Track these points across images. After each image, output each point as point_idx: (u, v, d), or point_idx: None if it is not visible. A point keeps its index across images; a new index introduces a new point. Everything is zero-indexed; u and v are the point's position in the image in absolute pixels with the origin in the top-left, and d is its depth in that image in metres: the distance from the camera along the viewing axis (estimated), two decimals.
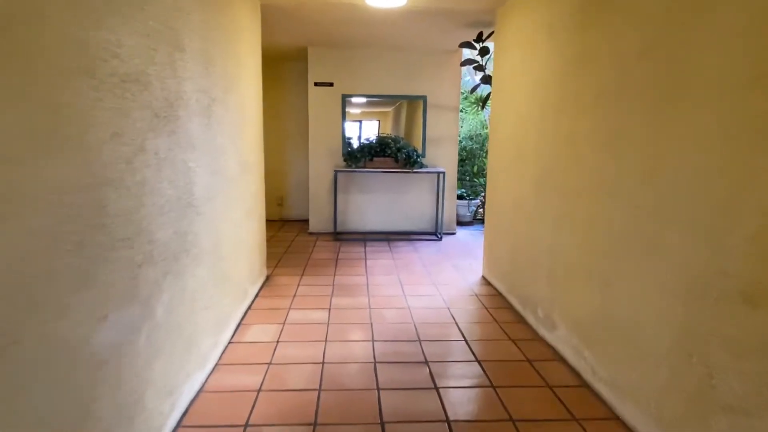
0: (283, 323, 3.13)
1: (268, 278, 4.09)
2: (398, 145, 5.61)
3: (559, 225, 2.76)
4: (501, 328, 3.12)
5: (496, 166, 3.99)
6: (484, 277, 4.23)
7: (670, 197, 1.80)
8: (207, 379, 2.38)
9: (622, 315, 2.11)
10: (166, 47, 1.90)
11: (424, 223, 6.10)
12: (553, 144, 2.84)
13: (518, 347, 2.83)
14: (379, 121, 7.34)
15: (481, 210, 7.09)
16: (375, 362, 2.61)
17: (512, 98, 3.57)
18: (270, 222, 6.62)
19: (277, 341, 2.86)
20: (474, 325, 3.17)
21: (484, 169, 7.36)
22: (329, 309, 3.40)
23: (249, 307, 3.38)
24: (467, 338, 2.95)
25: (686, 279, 1.72)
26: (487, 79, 4.52)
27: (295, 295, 3.68)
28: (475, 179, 7.22)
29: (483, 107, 4.93)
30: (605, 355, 2.26)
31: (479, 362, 2.63)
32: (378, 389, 2.33)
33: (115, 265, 1.51)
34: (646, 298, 1.94)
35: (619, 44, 2.14)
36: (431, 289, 3.90)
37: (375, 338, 2.92)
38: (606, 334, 2.25)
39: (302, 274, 4.24)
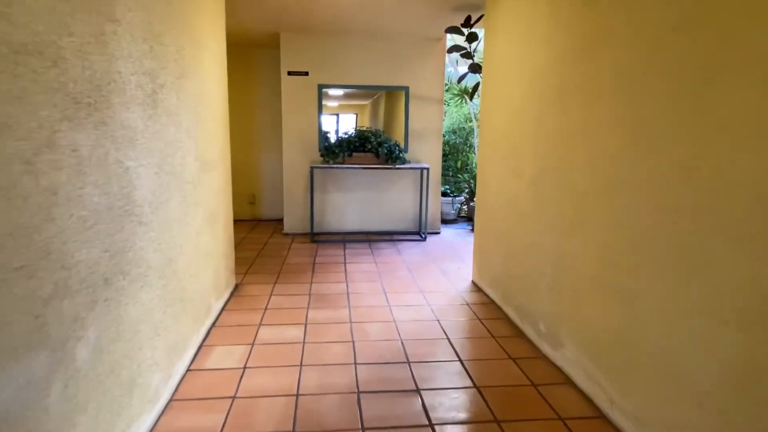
0: (252, 343, 2.74)
1: (237, 288, 3.68)
2: (379, 140, 5.24)
3: (565, 230, 2.43)
4: (498, 343, 2.79)
5: (486, 162, 3.66)
6: (474, 283, 3.91)
7: (717, 199, 1.48)
8: (156, 422, 1.98)
9: (650, 339, 1.79)
10: (89, 15, 1.49)
11: (407, 223, 5.75)
12: (557, 137, 2.51)
13: (520, 368, 2.51)
14: (356, 114, 6.95)
15: (465, 207, 6.78)
16: (358, 392, 2.24)
17: (506, 87, 3.24)
18: (241, 222, 6.18)
19: (245, 367, 2.46)
20: (468, 341, 2.83)
21: (467, 165, 7.05)
22: (305, 324, 3.02)
23: (213, 324, 2.97)
24: (462, 358, 2.61)
25: (740, 301, 1.40)
26: (475, 68, 4.18)
27: (266, 308, 3.28)
28: (459, 175, 6.90)
29: (471, 98, 4.59)
30: (627, 383, 1.94)
31: (478, 389, 2.29)
32: (363, 429, 1.97)
33: (4, 303, 1.10)
34: (684, 321, 1.62)
35: (648, 17, 1.80)
36: (418, 297, 3.55)
37: (358, 360, 2.56)
38: (628, 360, 1.93)
39: (275, 282, 3.84)
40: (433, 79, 5.51)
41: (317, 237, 5.45)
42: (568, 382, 2.36)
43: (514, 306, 3.08)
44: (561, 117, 2.47)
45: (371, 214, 5.68)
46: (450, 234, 5.78)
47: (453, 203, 6.44)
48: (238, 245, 4.99)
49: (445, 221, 6.30)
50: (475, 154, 6.97)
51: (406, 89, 5.50)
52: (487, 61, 3.63)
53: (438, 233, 5.77)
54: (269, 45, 5.74)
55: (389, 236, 5.57)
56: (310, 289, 3.70)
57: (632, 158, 1.89)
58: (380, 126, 6.08)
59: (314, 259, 4.55)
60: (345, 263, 4.43)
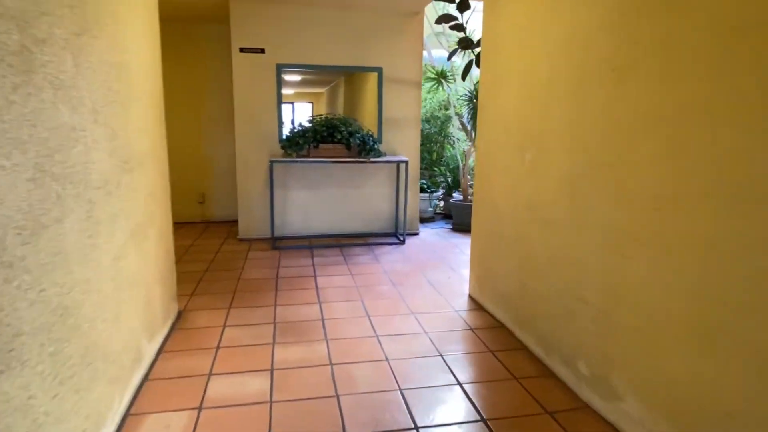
0: (199, 407, 2.00)
1: (180, 317, 2.91)
2: (350, 129, 4.52)
3: (622, 248, 1.83)
4: (525, 389, 2.18)
5: (488, 153, 3.03)
6: (472, 299, 3.29)
7: None
8: None
9: None
10: None
11: (382, 223, 5.07)
12: (609, 124, 1.89)
13: (563, 428, 1.90)
14: (312, 103, 6.20)
15: (442, 203, 6.18)
16: None
17: (519, 61, 2.60)
18: (188, 225, 5.33)
19: None
20: (486, 386, 2.20)
21: (443, 157, 6.45)
22: (271, 370, 2.31)
23: (145, 378, 2.20)
24: (484, 414, 1.98)
25: None
26: (466, 43, 3.53)
27: (219, 347, 2.54)
28: (435, 168, 6.28)
29: (464, 78, 3.95)
30: None
31: None
32: None
33: None
34: None
35: None
36: (410, 322, 2.89)
37: (347, 427, 1.87)
38: None
39: (230, 306, 3.09)
40: (409, 59, 4.83)
41: (279, 242, 4.69)
42: None
43: (536, 334, 2.48)
44: (615, 97, 1.85)
45: (342, 214, 4.97)
46: (430, 234, 5.15)
47: (430, 199, 5.82)
48: (183, 256, 4.16)
49: (422, 219, 5.67)
50: (452, 145, 6.38)
51: (379, 70, 4.80)
52: (489, 32, 2.98)
53: (417, 234, 5.13)
54: (218, 18, 4.88)
55: (363, 239, 4.88)
56: (275, 314, 2.97)
57: (749, 154, 1.29)
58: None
59: (277, 272, 3.80)
60: (315, 276, 3.72)
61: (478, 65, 3.51)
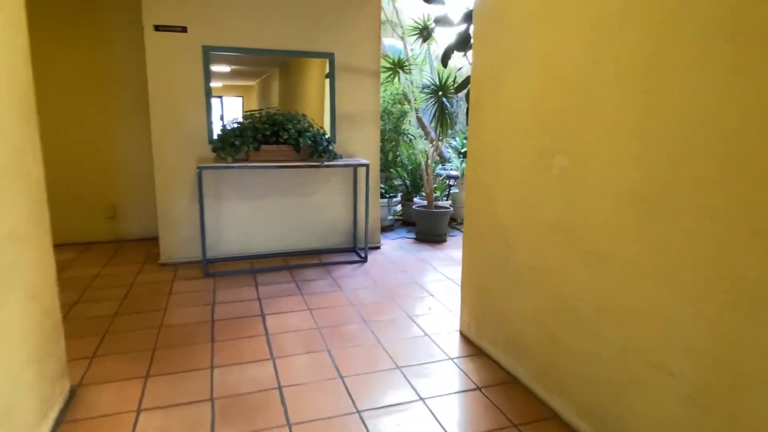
0: None
1: (72, 397, 2.03)
2: (299, 127, 3.72)
3: (753, 307, 1.23)
4: None
5: (487, 162, 2.38)
6: (465, 337, 2.64)
7: None
8: None
9: None
10: None
11: (339, 237, 4.32)
12: (724, 121, 1.29)
13: None
14: (242, 98, 5.32)
15: (400, 209, 5.52)
16: None
17: (539, 40, 1.97)
18: (96, 247, 4.30)
19: None
20: None
21: (398, 156, 5.78)
22: None
23: None
24: None
25: None
26: (446, 21, 2.86)
27: None
28: (392, 170, 5.60)
29: (446, 63, 3.27)
30: None
31: None
32: None
33: None
34: None
35: None
36: (398, 381, 2.19)
37: None
38: None
39: (147, 374, 2.23)
40: (366, 44, 4.10)
41: (213, 267, 3.81)
42: None
43: (574, 401, 1.86)
44: (734, 85, 1.24)
45: (290, 229, 4.16)
46: (393, 247, 4.47)
47: (389, 205, 5.13)
48: (85, 292, 3.21)
49: (381, 228, 4.97)
50: (410, 143, 5.73)
51: (331, 57, 4.03)
52: (484, 1, 2.33)
53: (379, 248, 4.42)
54: None
55: (317, 258, 4.11)
56: (212, 383, 2.16)
57: None
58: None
59: (212, 312, 2.96)
60: (263, 315, 2.92)
61: (461, 49, 2.87)
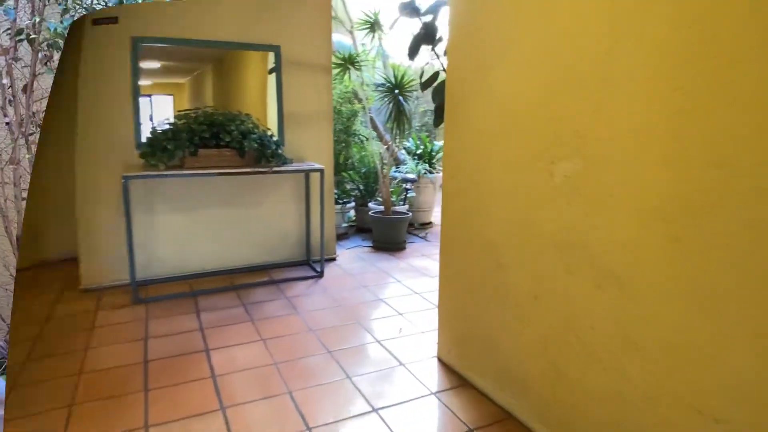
0: None
1: None
2: (243, 128, 3.29)
3: None
4: None
5: (466, 168, 2.10)
6: (444, 364, 2.35)
7: None
8: None
9: None
10: None
11: (290, 250, 3.91)
12: None
13: None
14: (172, 96, 4.79)
15: (353, 214, 5.18)
16: None
17: (540, 26, 1.70)
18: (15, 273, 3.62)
19: None
20: None
21: (349, 159, 5.43)
22: None
23: None
24: None
25: None
26: (411, 9, 2.56)
27: None
28: (343, 173, 5.24)
29: (413, 56, 2.94)
30: None
31: None
32: None
33: None
34: None
35: None
36: (375, 428, 1.86)
37: None
38: None
39: None
40: (316, 37, 3.73)
41: (145, 291, 3.30)
42: None
43: None
44: None
45: (234, 242, 3.70)
46: (350, 258, 4.12)
47: (343, 212, 4.78)
48: None
49: (336, 237, 4.61)
50: (362, 145, 5.39)
51: (277, 50, 3.62)
52: None
53: (334, 259, 4.06)
54: None
55: (267, 274, 3.68)
56: None
57: None
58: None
59: (145, 350, 2.48)
60: (207, 350, 2.48)
61: (428, 42, 2.57)
